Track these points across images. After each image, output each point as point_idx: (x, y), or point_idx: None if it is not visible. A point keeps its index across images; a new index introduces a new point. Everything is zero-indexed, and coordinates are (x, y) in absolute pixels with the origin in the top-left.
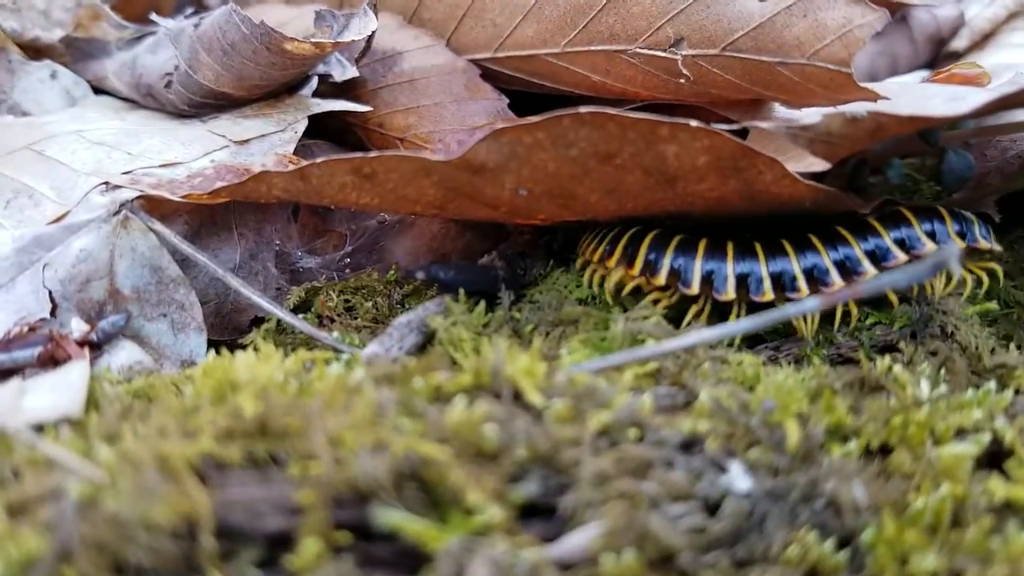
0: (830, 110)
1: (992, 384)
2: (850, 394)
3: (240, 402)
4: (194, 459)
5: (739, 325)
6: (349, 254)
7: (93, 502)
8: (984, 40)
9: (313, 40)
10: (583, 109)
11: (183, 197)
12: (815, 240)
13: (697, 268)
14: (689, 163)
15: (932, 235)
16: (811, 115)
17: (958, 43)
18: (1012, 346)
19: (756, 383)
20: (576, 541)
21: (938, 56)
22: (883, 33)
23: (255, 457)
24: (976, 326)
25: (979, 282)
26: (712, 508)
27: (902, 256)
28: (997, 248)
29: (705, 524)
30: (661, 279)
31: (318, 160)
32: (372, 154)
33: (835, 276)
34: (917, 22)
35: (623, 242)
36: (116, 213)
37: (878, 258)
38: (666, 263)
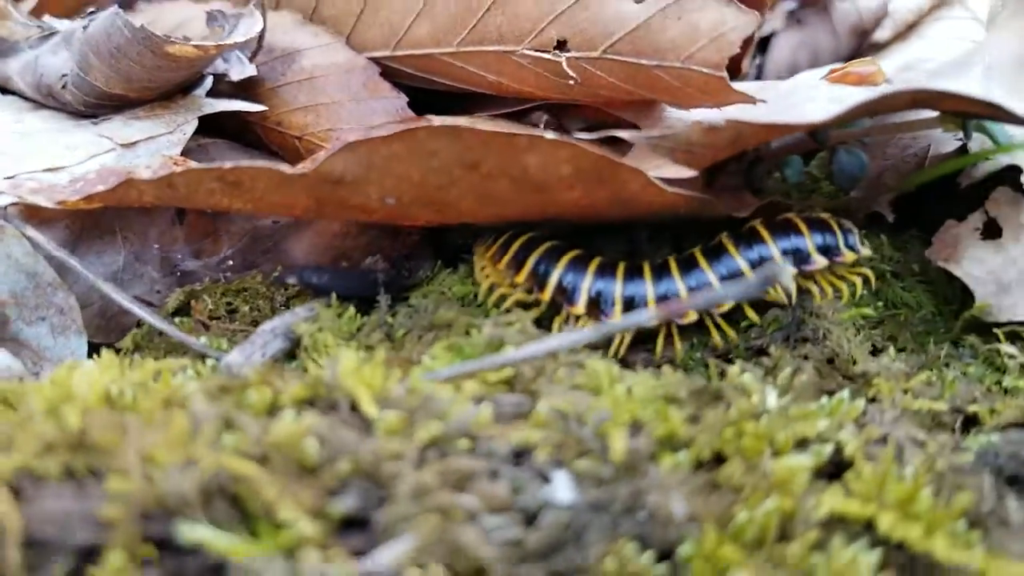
0: (689, 120)
1: (846, 393)
2: (694, 403)
3: (65, 415)
4: (9, 473)
5: (583, 334)
6: (239, 254)
7: None
8: (908, 31)
9: (196, 44)
10: (436, 122)
11: (58, 204)
12: (701, 259)
13: (585, 287)
14: (554, 173)
15: (793, 252)
16: (669, 125)
17: (881, 34)
18: (891, 350)
19: (608, 388)
20: (386, 555)
21: (861, 47)
22: (804, 23)
23: (73, 471)
24: (850, 330)
25: (867, 283)
26: (532, 519)
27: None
28: (866, 253)
29: (522, 536)
30: (547, 295)
31: (178, 170)
32: (229, 164)
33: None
34: (839, 13)
35: (514, 249)
36: None
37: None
38: (554, 278)
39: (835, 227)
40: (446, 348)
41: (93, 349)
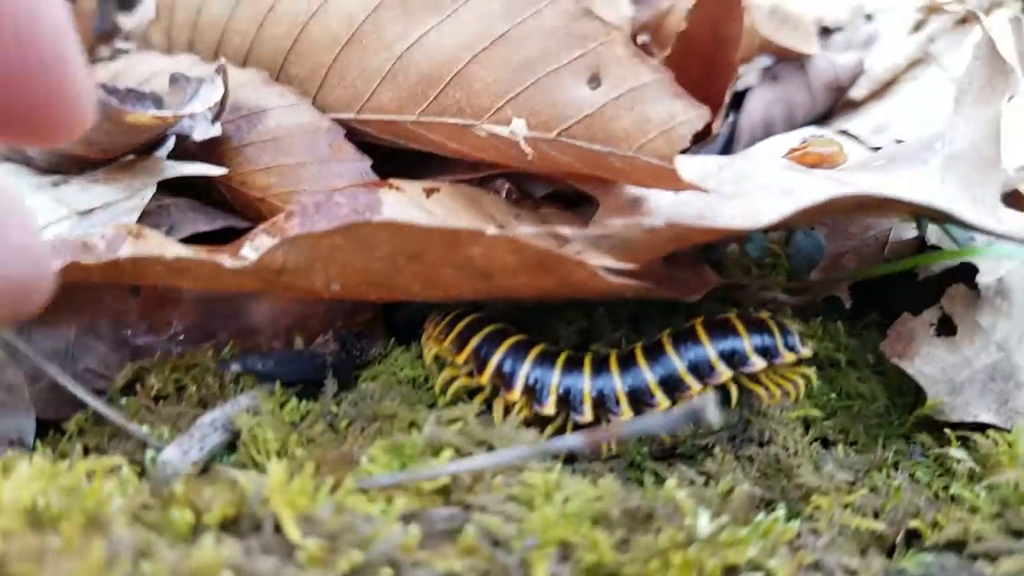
0: (626, 221)
1: (781, 512)
2: (626, 524)
3: None
4: None
5: (519, 452)
6: (197, 323)
7: None
8: (883, 89)
9: (153, 114)
10: (377, 219)
11: None
12: (640, 356)
13: (523, 374)
14: (499, 262)
15: (730, 354)
16: (608, 224)
17: (857, 92)
18: (840, 448)
19: (541, 502)
20: None
21: (836, 104)
22: (780, 80)
23: None
24: (798, 430)
25: (808, 383)
26: None
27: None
28: (806, 354)
29: None
30: (516, 394)
31: (123, 256)
32: (171, 255)
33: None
34: (815, 69)
35: (458, 329)
36: None
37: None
38: (521, 376)
39: (774, 328)
40: (386, 449)
41: (43, 425)
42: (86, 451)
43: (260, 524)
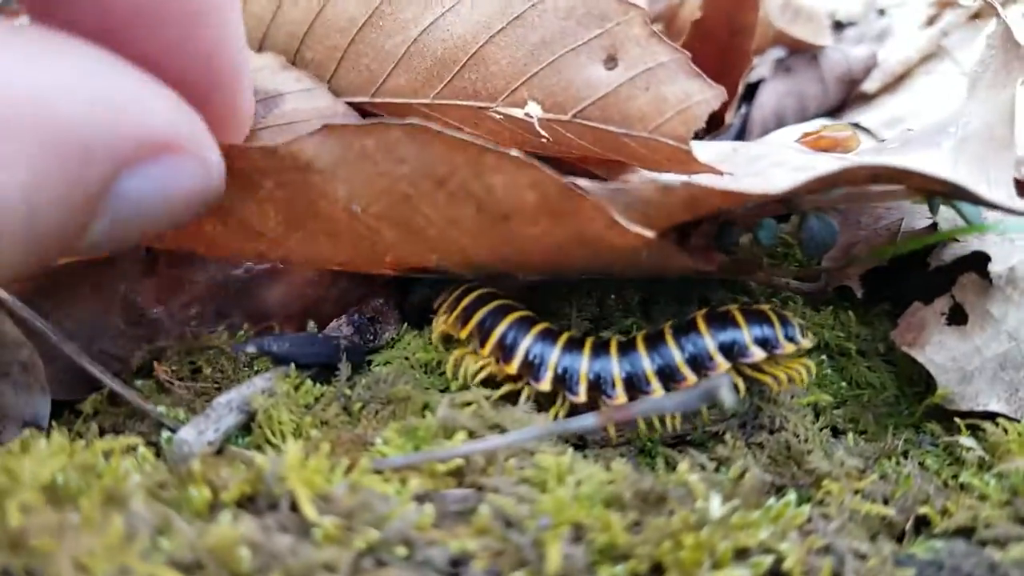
0: (645, 177)
1: (792, 496)
2: (639, 507)
3: (7, 512)
4: None
5: (531, 431)
6: (210, 306)
7: None
8: (896, 83)
9: None
10: (412, 121)
11: None
12: (640, 344)
13: (523, 348)
14: (518, 199)
15: (729, 346)
16: (626, 179)
17: (869, 85)
18: (850, 436)
19: (554, 484)
20: None
21: (849, 97)
22: (792, 72)
23: (11, 572)
24: (808, 416)
25: (810, 373)
26: None
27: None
28: (807, 344)
29: None
30: (514, 367)
31: None
32: None
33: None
34: (828, 61)
35: (464, 303)
36: None
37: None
38: (521, 349)
39: (774, 319)
40: (399, 431)
41: (58, 406)
42: (102, 432)
43: (276, 502)
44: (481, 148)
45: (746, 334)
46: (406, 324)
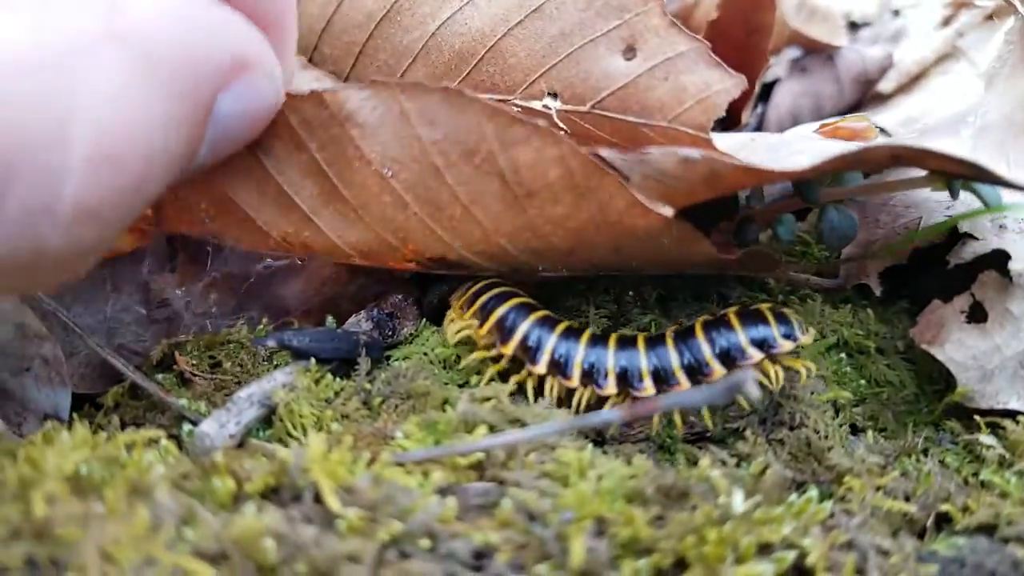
0: (664, 149)
1: (814, 492)
2: (661, 501)
3: (32, 502)
4: None
5: (553, 426)
6: (229, 300)
7: None
8: (911, 83)
9: None
10: (449, 85)
11: None
12: (640, 344)
13: (578, 359)
14: (542, 176)
15: (725, 352)
16: (647, 150)
17: (885, 85)
18: (869, 433)
19: (576, 479)
20: None
21: (864, 97)
22: (808, 72)
23: (36, 560)
24: (828, 412)
25: (810, 374)
26: None
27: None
28: (806, 341)
29: None
30: (541, 368)
31: None
32: None
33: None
34: (844, 61)
35: (483, 300)
36: None
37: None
38: (549, 351)
39: (770, 319)
40: (420, 425)
41: (78, 400)
42: (123, 425)
43: (300, 494)
44: (511, 118)
45: (742, 336)
46: (424, 320)
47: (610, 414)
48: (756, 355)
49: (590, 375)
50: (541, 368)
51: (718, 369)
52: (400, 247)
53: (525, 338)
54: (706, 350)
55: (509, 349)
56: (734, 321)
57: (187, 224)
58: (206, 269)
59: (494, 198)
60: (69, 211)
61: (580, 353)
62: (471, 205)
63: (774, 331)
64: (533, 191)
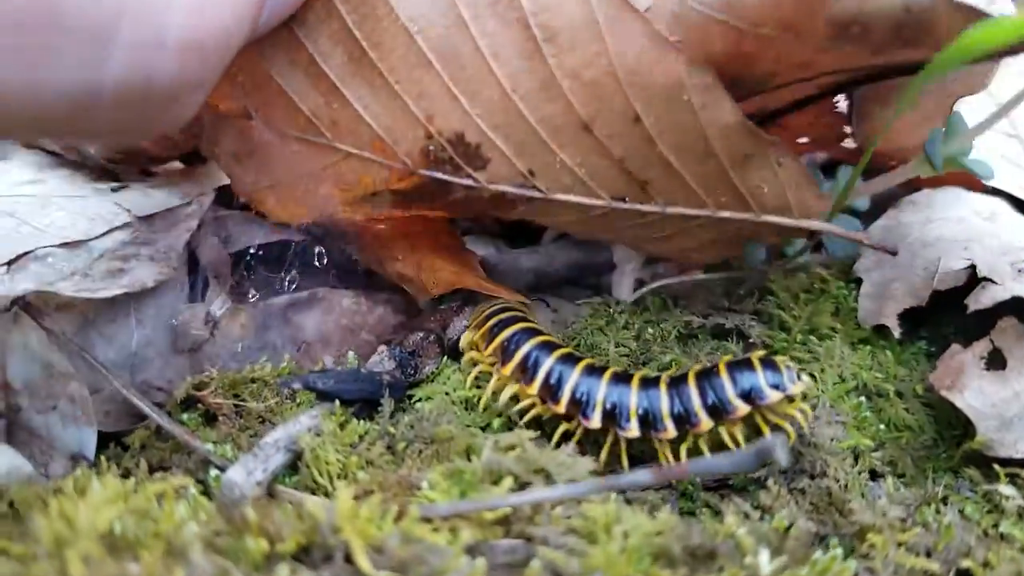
0: None
1: (839, 551)
2: (688, 563)
3: (69, 562)
4: None
5: (583, 487)
6: (253, 333)
7: None
8: None
9: None
10: None
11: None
12: (634, 382)
13: (600, 399)
14: (566, 14)
15: (714, 405)
16: None
17: None
18: (889, 480)
19: (603, 535)
20: None
21: None
22: None
23: None
24: (848, 460)
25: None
26: None
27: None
28: (797, 390)
29: None
30: (561, 407)
31: None
32: None
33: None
34: None
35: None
36: (8, 310)
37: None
38: (570, 388)
39: (757, 368)
40: (445, 475)
41: (103, 438)
42: (150, 468)
43: (332, 554)
44: None
45: (728, 388)
46: (445, 358)
47: (642, 475)
48: (742, 408)
49: (612, 416)
50: (561, 408)
51: (705, 420)
52: (422, 122)
53: (547, 376)
54: (695, 402)
55: (534, 389)
56: (722, 372)
57: (226, 98)
58: (231, 302)
59: (515, 50)
60: (176, 44)
61: (633, 399)
62: (492, 60)
63: (761, 381)
64: (553, 33)
